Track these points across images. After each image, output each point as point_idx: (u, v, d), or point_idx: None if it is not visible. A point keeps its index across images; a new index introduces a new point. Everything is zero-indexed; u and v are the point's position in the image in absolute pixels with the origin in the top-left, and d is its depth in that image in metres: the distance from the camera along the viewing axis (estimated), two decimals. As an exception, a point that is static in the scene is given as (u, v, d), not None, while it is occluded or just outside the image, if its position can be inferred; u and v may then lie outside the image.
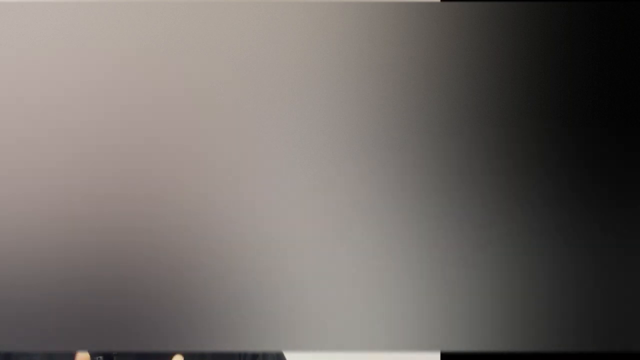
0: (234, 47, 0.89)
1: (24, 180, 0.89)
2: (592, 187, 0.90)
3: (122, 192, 0.89)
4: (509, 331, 0.90)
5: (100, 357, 1.15)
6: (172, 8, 0.89)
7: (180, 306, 0.89)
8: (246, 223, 0.90)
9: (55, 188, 0.89)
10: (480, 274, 0.90)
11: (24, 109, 0.89)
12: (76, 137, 0.89)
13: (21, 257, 0.88)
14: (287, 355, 1.35)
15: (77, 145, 0.89)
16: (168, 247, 0.89)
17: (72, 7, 0.89)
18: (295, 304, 0.90)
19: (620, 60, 0.90)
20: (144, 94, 0.89)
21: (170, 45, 0.89)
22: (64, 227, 0.88)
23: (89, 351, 1.08)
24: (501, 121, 0.90)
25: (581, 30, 0.90)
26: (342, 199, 0.90)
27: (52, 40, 0.89)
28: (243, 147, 0.90)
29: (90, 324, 0.88)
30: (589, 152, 0.90)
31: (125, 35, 0.89)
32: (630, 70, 0.90)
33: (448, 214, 0.90)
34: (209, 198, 0.89)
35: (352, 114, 0.90)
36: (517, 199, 0.90)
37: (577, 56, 0.90)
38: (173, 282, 0.89)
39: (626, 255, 0.90)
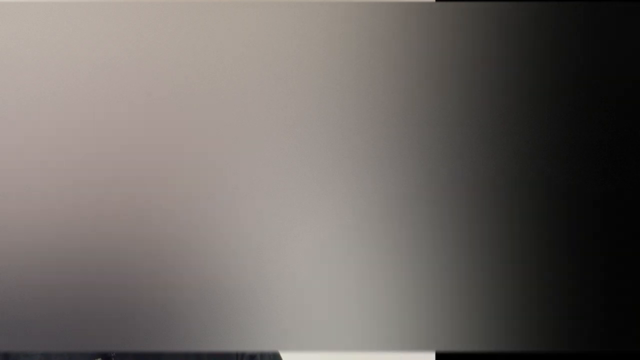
0: (234, 47, 0.90)
1: (23, 180, 0.89)
2: (591, 187, 0.90)
3: (122, 192, 0.89)
4: (506, 331, 0.90)
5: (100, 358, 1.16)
6: (172, 8, 0.89)
7: (179, 306, 0.89)
8: (245, 224, 0.90)
9: (54, 188, 0.89)
10: (477, 273, 0.90)
11: (19, 110, 0.89)
12: (76, 138, 0.89)
13: (21, 258, 0.89)
14: (283, 355, 1.36)
15: (78, 145, 0.89)
16: (167, 247, 0.89)
17: (72, 8, 0.89)
18: (291, 305, 0.90)
19: (620, 60, 0.90)
20: (142, 94, 0.90)
21: (170, 45, 0.90)
22: (63, 228, 0.89)
23: (88, 351, 1.08)
24: (497, 121, 0.90)
25: (579, 30, 0.90)
26: (339, 200, 0.90)
27: (50, 41, 0.89)
28: (242, 148, 0.90)
29: (90, 324, 0.89)
30: (588, 152, 0.90)
31: (124, 36, 0.89)
32: (630, 69, 0.90)
33: (442, 213, 0.90)
34: (208, 198, 0.90)
35: (347, 113, 0.90)
36: (512, 198, 0.90)
37: (575, 55, 0.90)
38: (172, 283, 0.89)
39: (626, 255, 0.90)
